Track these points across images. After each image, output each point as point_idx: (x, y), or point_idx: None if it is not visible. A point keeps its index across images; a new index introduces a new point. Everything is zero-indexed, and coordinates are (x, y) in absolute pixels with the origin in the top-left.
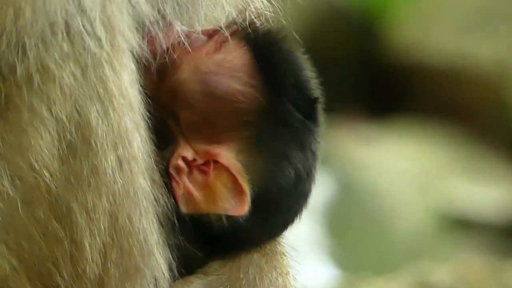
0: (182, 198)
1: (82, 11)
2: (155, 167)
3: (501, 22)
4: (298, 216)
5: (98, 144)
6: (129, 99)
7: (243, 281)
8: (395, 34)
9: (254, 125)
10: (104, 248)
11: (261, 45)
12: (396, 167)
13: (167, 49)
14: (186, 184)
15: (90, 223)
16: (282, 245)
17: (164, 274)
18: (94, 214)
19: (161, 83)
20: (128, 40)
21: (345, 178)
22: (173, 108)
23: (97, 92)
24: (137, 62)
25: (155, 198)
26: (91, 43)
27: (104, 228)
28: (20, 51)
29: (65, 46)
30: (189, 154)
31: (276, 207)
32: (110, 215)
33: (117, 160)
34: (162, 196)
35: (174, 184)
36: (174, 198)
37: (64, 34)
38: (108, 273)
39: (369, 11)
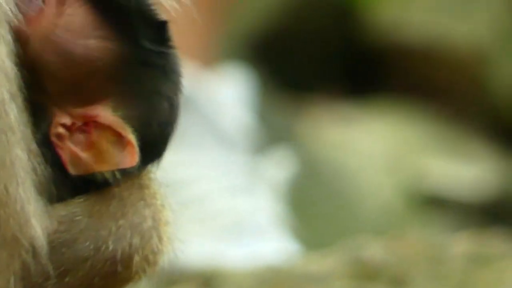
0: (70, 162)
1: None
2: (32, 137)
3: (478, 2)
4: (170, 141)
5: None
6: (5, 70)
7: (105, 213)
8: (373, 14)
9: (120, 76)
10: None
11: None
12: (369, 146)
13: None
14: (70, 148)
15: None
16: (148, 178)
17: (42, 242)
18: None
19: (21, 57)
20: (3, 11)
21: (314, 156)
22: (38, 82)
23: None
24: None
25: (32, 168)
26: None
27: None
28: None
29: None
30: (66, 120)
31: (156, 139)
32: None
33: None
34: (40, 165)
35: (59, 151)
36: (62, 164)
37: None
38: None
39: None
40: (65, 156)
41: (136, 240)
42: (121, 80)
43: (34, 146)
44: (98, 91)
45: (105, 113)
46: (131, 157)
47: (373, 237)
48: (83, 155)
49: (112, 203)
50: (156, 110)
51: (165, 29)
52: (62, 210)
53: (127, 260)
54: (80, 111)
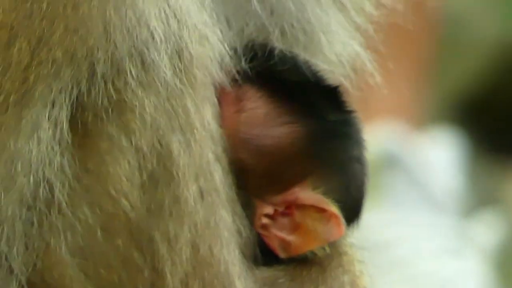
0: (279, 247)
1: (156, 40)
2: (236, 199)
3: None
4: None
5: (180, 174)
6: (210, 131)
7: (306, 278)
8: None
9: (312, 154)
10: (186, 278)
11: (267, 74)
12: None
13: None
14: (277, 234)
15: (172, 252)
16: (345, 245)
17: None
18: (176, 244)
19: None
20: (209, 73)
21: None
22: (236, 178)
23: (179, 123)
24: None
25: (237, 230)
26: (169, 74)
27: (186, 258)
28: (96, 79)
29: (142, 76)
30: (269, 209)
31: (355, 202)
32: (192, 245)
33: (199, 191)
34: (244, 227)
35: (266, 240)
36: (270, 249)
37: (139, 63)
38: None
39: None
40: (273, 244)
41: None
42: (314, 158)
43: (239, 208)
44: (295, 174)
45: (304, 194)
46: (338, 229)
47: None
48: (291, 238)
49: (313, 269)
50: (352, 176)
51: (340, 94)
52: (266, 272)
53: None
54: (280, 197)
